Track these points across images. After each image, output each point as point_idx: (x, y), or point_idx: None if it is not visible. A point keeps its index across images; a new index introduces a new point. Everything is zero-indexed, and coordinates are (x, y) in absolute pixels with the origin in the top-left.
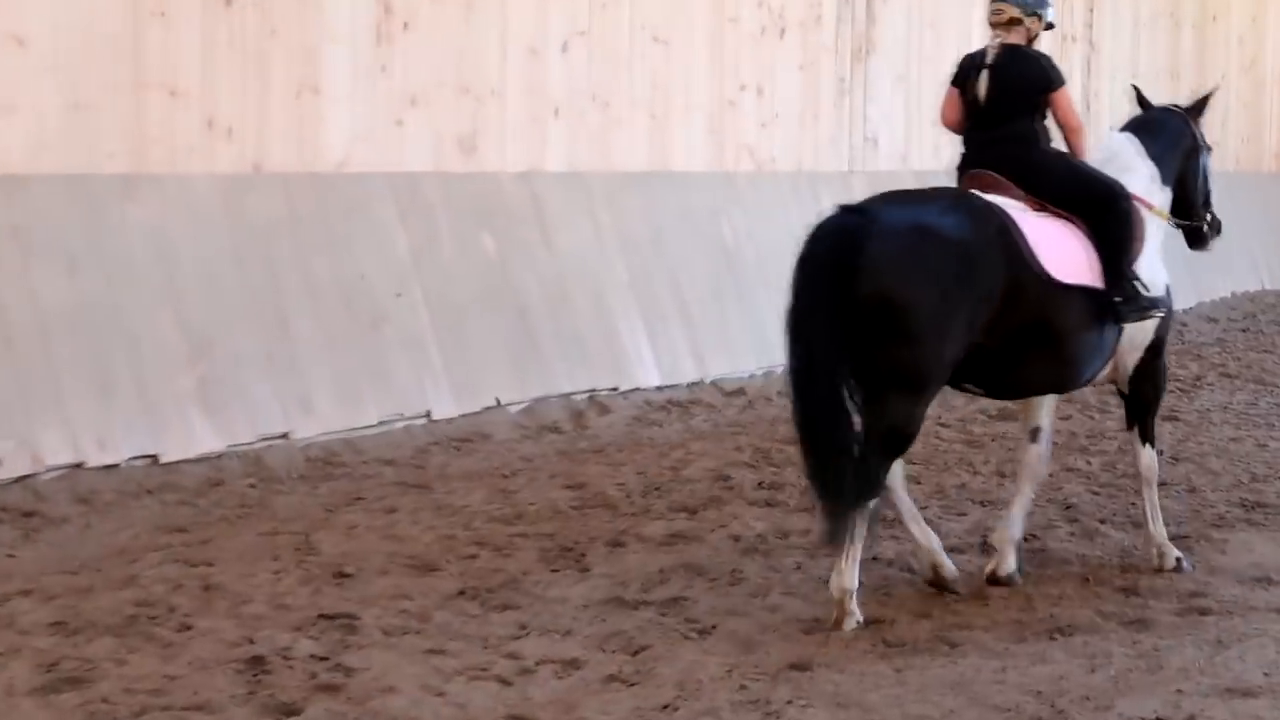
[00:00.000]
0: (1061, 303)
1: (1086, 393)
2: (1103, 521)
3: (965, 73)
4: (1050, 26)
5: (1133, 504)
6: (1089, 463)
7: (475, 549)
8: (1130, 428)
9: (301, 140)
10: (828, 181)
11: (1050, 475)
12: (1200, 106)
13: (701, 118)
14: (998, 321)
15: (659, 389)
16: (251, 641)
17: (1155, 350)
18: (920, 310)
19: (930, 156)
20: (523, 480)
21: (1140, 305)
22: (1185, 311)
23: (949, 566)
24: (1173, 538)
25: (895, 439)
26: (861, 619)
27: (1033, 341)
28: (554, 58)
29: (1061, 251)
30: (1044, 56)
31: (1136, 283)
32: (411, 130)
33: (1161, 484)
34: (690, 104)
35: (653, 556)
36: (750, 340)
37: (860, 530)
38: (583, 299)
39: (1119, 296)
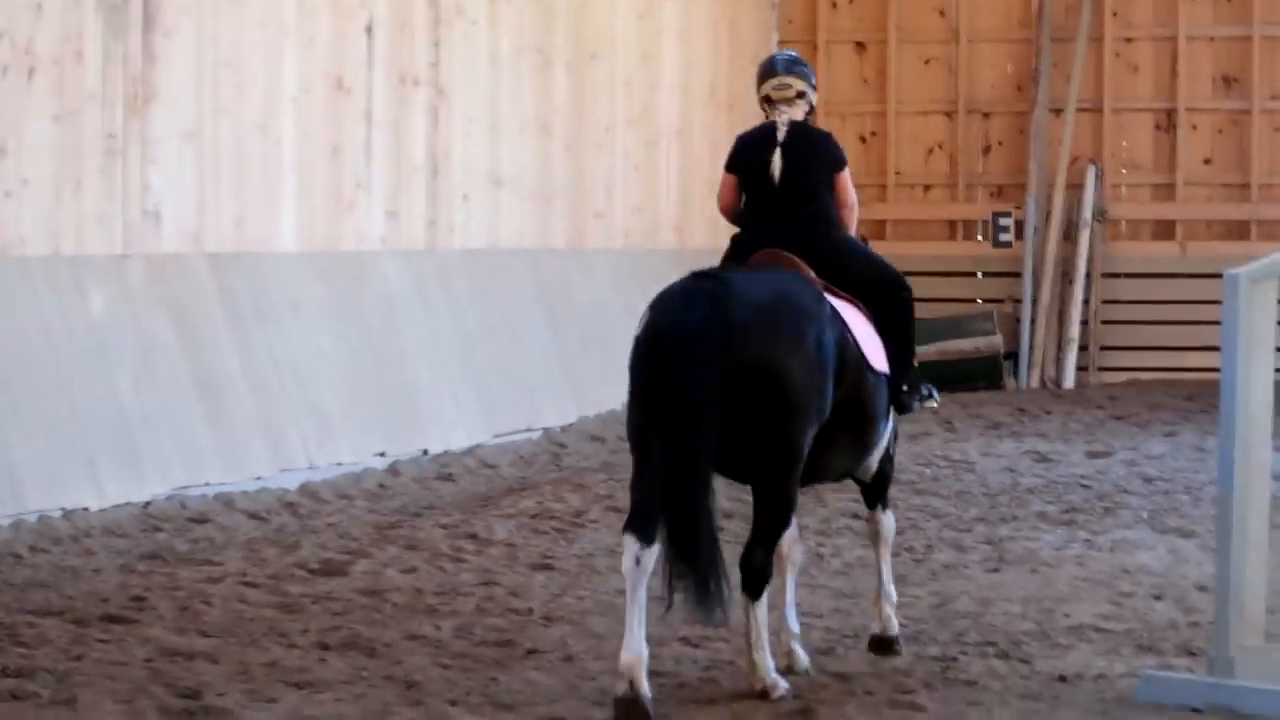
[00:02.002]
0: (872, 386)
1: (437, 538)
2: (454, 703)
3: (746, 154)
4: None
5: (494, 679)
6: (438, 627)
7: None
8: (873, 507)
9: None
10: (96, 269)
11: (388, 645)
12: None
13: None
14: (834, 400)
15: None
16: None
17: (895, 435)
18: (799, 381)
19: (231, 234)
20: None
21: (920, 395)
22: (564, 430)
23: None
24: None
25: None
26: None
27: (846, 424)
28: None
29: (867, 336)
30: (829, 134)
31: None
32: None
33: (530, 652)
34: None
35: None
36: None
37: (759, 618)
38: None
39: (906, 385)
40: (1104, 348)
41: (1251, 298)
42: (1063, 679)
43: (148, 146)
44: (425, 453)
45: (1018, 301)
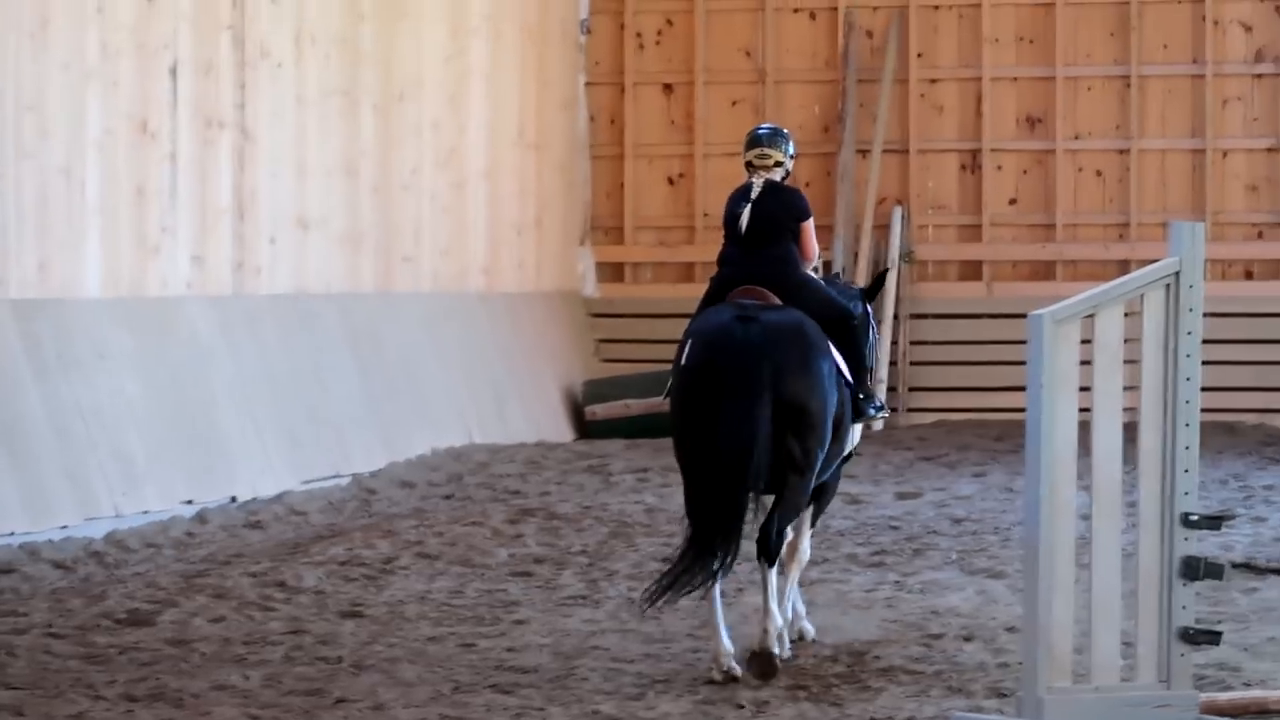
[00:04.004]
0: (847, 397)
1: (245, 586)
2: None
3: (728, 208)
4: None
5: None
6: (247, 677)
7: None
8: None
9: None
10: None
11: (196, 696)
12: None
13: None
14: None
15: None
16: None
17: (848, 457)
18: (821, 408)
19: (34, 280)
20: None
21: (875, 406)
22: (374, 475)
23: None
24: None
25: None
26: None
27: (836, 430)
28: None
29: (838, 355)
30: (798, 191)
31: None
32: None
33: (339, 701)
34: None
35: None
36: None
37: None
38: None
39: (863, 394)
40: (912, 389)
41: (1056, 338)
42: None
43: None
44: (233, 500)
45: None
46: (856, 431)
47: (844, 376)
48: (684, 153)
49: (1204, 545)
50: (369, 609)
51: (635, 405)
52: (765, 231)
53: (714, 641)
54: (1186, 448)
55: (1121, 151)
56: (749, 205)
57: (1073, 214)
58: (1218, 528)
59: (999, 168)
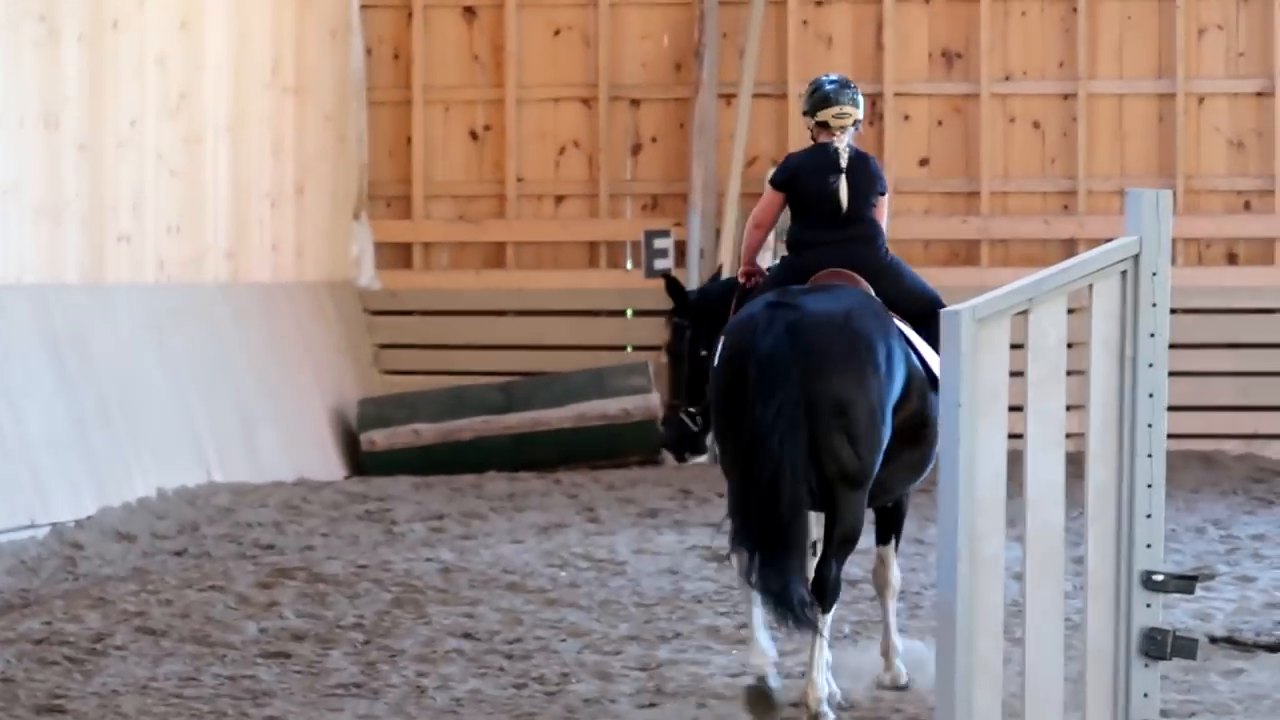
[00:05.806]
0: (930, 397)
1: None
2: None
3: (806, 177)
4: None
5: None
6: None
7: None
8: (886, 541)
9: None
10: None
11: None
12: None
13: None
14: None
15: None
16: None
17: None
18: (868, 408)
19: None
20: None
21: None
22: (80, 525)
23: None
24: None
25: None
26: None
27: (911, 439)
28: None
29: (930, 352)
30: (874, 158)
31: None
32: None
33: None
34: None
35: None
36: None
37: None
38: None
39: None
40: None
41: (978, 342)
42: None
43: None
44: None
45: None
46: None
47: (929, 369)
48: (492, 98)
49: (1173, 614)
50: (73, 701)
51: (427, 431)
52: (857, 206)
53: (751, 644)
54: (1149, 486)
55: (1066, 97)
56: (843, 177)
57: (1002, 179)
58: (1191, 590)
59: (906, 118)
